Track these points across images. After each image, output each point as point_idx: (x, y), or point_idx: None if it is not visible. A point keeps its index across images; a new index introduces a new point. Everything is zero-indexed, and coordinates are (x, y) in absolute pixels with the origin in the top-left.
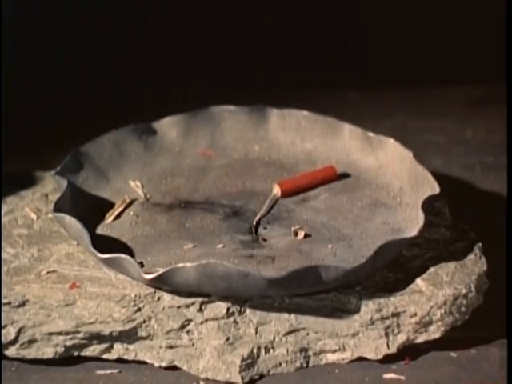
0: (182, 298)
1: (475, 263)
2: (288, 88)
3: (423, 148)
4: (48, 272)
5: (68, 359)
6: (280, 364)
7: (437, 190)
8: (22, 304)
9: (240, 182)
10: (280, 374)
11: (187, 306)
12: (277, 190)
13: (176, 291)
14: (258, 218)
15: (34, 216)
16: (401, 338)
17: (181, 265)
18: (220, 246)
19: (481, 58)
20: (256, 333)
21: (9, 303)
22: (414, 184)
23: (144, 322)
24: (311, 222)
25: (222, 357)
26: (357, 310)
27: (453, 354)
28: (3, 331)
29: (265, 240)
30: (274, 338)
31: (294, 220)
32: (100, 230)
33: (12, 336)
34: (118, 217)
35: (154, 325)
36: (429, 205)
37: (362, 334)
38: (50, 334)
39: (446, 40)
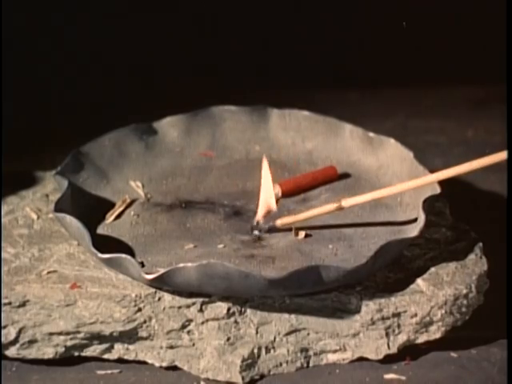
0: (183, 298)
1: (476, 263)
2: (289, 88)
3: (424, 148)
4: (48, 272)
5: (68, 359)
6: (280, 364)
7: (437, 190)
8: (23, 304)
9: (241, 182)
10: (280, 374)
11: (188, 307)
12: (277, 190)
13: (177, 291)
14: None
15: (34, 216)
16: (401, 338)
17: (181, 265)
18: (221, 246)
19: (481, 58)
20: (256, 333)
21: (9, 303)
22: None
23: (144, 322)
24: (312, 221)
25: (223, 357)
26: (357, 310)
27: (453, 354)
28: (3, 331)
29: (260, 238)
30: (275, 338)
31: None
32: (100, 230)
33: (12, 336)
34: (118, 217)
35: (154, 325)
36: (429, 205)
37: (362, 334)
38: (51, 334)
39: (447, 40)
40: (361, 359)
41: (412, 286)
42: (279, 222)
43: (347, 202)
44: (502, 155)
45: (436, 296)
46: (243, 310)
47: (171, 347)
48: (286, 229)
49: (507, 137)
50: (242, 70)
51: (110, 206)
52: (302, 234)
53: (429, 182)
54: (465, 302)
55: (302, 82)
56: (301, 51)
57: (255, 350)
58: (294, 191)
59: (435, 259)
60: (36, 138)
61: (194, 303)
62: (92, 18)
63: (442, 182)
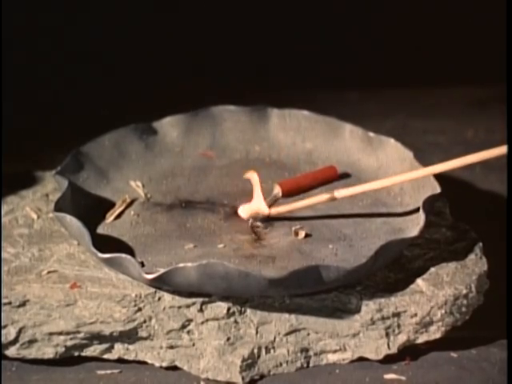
0: (183, 298)
1: (476, 263)
2: (289, 88)
3: (424, 148)
4: (49, 272)
5: (68, 359)
6: (281, 364)
7: (437, 189)
8: (23, 304)
9: (241, 182)
10: (280, 374)
11: (188, 306)
12: (278, 190)
13: (177, 291)
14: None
15: (34, 216)
16: (401, 339)
17: (181, 265)
18: (221, 245)
19: (481, 58)
20: (256, 333)
21: (9, 303)
22: (414, 184)
23: (144, 322)
24: (312, 221)
25: (223, 357)
26: (357, 310)
27: (453, 354)
28: (3, 331)
29: (258, 237)
30: (275, 338)
31: (295, 220)
32: (101, 230)
33: (12, 336)
34: (118, 216)
35: (154, 325)
36: (429, 205)
37: (362, 334)
38: (51, 334)
39: (446, 40)
40: (361, 359)
41: (412, 286)
42: (273, 211)
43: (340, 193)
44: (502, 150)
45: (436, 296)
46: (243, 309)
47: (171, 347)
48: (285, 230)
49: (507, 137)
50: (242, 70)
51: (110, 205)
52: (302, 233)
53: (422, 175)
54: (465, 302)
55: (302, 82)
56: (301, 51)
57: (255, 350)
58: (294, 191)
59: (435, 259)
60: (36, 137)
61: (193, 303)
62: (92, 18)
63: (441, 182)
